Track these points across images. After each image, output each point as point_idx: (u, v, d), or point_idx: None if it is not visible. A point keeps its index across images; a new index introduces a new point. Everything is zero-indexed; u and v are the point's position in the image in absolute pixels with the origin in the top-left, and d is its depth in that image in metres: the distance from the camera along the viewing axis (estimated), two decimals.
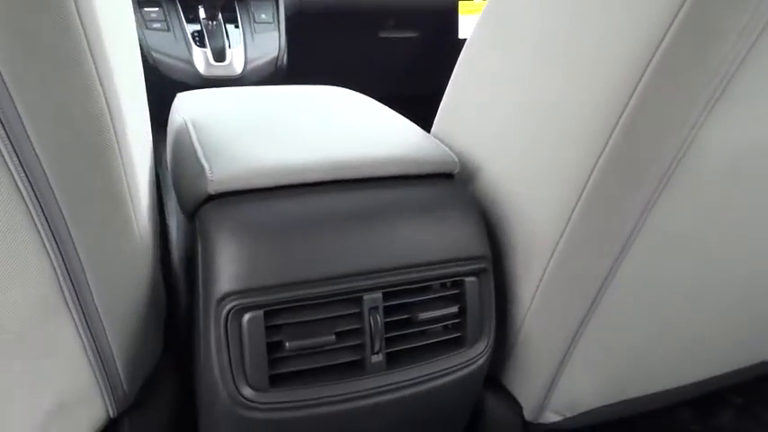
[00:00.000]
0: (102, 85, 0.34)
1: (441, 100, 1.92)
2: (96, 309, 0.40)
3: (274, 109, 0.62)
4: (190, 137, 0.54)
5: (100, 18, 0.33)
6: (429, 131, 1.79)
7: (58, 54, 0.30)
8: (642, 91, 0.38)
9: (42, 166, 0.32)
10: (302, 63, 1.29)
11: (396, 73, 1.68)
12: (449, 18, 1.45)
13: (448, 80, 1.90)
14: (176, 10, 1.15)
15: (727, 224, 0.50)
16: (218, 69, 1.11)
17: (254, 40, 1.16)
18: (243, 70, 1.13)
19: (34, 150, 0.31)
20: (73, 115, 0.33)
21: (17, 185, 0.32)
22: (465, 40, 1.44)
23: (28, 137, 0.31)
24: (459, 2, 1.44)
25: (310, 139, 0.53)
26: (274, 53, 1.18)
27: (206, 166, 0.47)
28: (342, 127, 0.58)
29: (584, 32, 0.42)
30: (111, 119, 0.36)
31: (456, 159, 0.54)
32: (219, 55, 1.12)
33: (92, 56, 0.33)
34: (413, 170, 0.52)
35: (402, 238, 0.47)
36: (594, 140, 0.42)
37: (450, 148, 0.59)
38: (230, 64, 1.12)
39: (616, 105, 0.40)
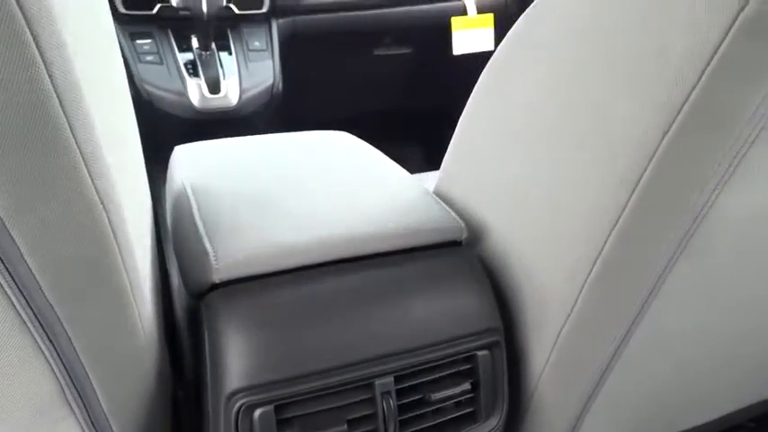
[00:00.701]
0: (103, 204, 0.33)
1: (436, 113, 1.92)
2: (103, 410, 0.40)
3: (275, 170, 0.61)
4: (191, 209, 0.53)
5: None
6: (426, 145, 1.75)
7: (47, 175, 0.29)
8: (659, 159, 0.38)
9: (35, 278, 0.31)
10: (298, 84, 1.28)
11: (392, 88, 1.67)
12: (442, 34, 1.44)
13: (442, 93, 1.89)
14: (169, 41, 1.14)
15: (743, 280, 0.50)
16: (213, 101, 1.10)
17: (248, 69, 1.15)
18: (238, 101, 1.11)
19: (25, 262, 0.30)
20: (68, 228, 0.32)
21: (7, 293, 0.31)
22: (459, 56, 1.44)
23: (17, 248, 0.30)
24: (452, 18, 1.43)
25: (315, 211, 0.52)
26: (269, 81, 1.17)
27: (210, 251, 0.46)
28: (346, 192, 0.57)
29: (597, 97, 0.42)
30: (113, 232, 0.35)
31: (463, 225, 0.54)
32: (214, 86, 1.10)
33: (90, 176, 0.32)
34: (420, 241, 0.52)
35: (412, 318, 0.47)
36: (610, 208, 0.41)
37: (454, 206, 0.58)
38: (225, 95, 1.10)
39: (632, 173, 0.39)
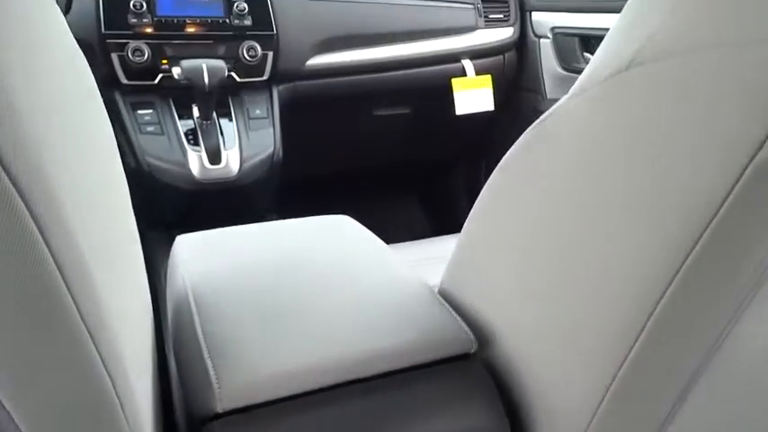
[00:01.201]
0: (104, 364, 0.32)
1: (433, 167, 1.92)
2: None
3: (278, 271, 0.60)
4: (193, 322, 0.52)
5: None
6: (426, 199, 1.72)
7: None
8: (677, 285, 0.37)
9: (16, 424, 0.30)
10: (298, 142, 1.28)
11: (391, 145, 1.68)
12: (440, 93, 1.45)
13: (439, 149, 1.90)
14: (170, 110, 1.14)
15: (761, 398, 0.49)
16: (214, 172, 1.09)
17: (249, 138, 1.15)
18: (239, 171, 1.11)
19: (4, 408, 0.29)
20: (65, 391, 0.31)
21: None
22: (462, 115, 1.45)
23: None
24: (453, 80, 1.44)
25: (320, 325, 0.51)
26: (270, 149, 1.17)
27: (213, 377, 0.45)
28: (352, 299, 0.56)
29: (616, 213, 0.41)
30: (113, 387, 0.34)
31: (472, 338, 0.52)
32: (214, 156, 1.10)
33: (86, 328, 0.30)
34: (429, 357, 0.50)
35: None
36: (626, 332, 0.40)
37: (461, 309, 0.57)
38: (226, 165, 1.10)
39: (649, 299, 0.38)
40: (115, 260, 0.37)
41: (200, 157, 1.09)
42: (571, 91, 0.48)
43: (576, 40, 1.37)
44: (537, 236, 0.48)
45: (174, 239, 1.19)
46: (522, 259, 0.50)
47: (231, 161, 1.11)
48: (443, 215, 1.96)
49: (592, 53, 1.35)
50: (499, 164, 0.53)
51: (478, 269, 0.58)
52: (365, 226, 1.90)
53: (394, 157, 1.74)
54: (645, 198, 0.39)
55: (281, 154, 1.18)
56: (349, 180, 1.80)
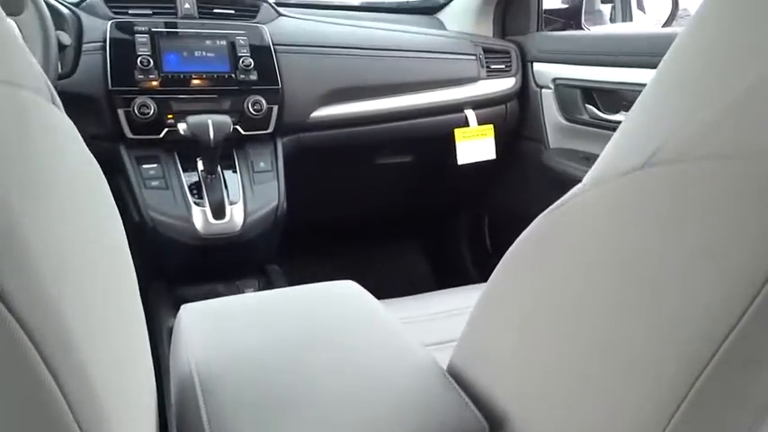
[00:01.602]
0: None
1: (437, 214, 1.92)
2: None
3: (283, 348, 0.59)
4: (198, 407, 0.50)
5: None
6: (427, 246, 1.71)
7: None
8: (695, 393, 0.36)
9: None
10: (300, 193, 1.28)
11: (392, 192, 1.68)
12: (444, 142, 1.46)
13: (441, 195, 1.90)
14: (175, 164, 1.14)
15: None
16: (218, 227, 1.09)
17: (253, 192, 1.15)
18: (242, 225, 1.11)
19: None
20: None
21: None
22: (464, 165, 1.45)
23: None
24: (455, 130, 1.45)
25: (327, 414, 0.50)
26: (274, 202, 1.17)
27: None
28: (359, 384, 0.55)
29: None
30: None
31: (485, 425, 0.51)
32: (218, 211, 1.10)
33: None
34: None
35: None
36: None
37: (471, 389, 0.56)
38: (230, 220, 1.10)
39: (669, 405, 0.37)
40: (123, 369, 0.36)
41: (204, 212, 1.09)
42: (585, 181, 0.48)
43: (578, 91, 1.38)
44: (552, 325, 0.47)
45: (175, 291, 1.19)
46: (536, 346, 0.49)
47: (235, 215, 1.10)
48: (445, 262, 1.95)
49: (593, 105, 1.36)
50: (512, 246, 0.52)
51: (490, 350, 0.56)
52: (366, 273, 1.89)
53: (395, 204, 1.74)
54: (658, 301, 0.38)
55: (284, 207, 1.18)
56: (350, 226, 1.80)
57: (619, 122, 1.26)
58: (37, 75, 0.29)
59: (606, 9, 1.83)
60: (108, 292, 0.36)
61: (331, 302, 0.70)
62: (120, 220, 0.45)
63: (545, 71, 1.49)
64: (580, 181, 1.41)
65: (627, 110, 1.27)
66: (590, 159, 1.37)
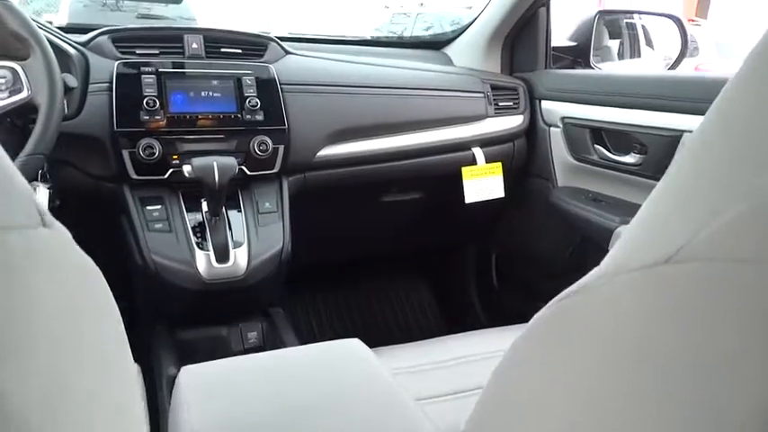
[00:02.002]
0: None
1: (443, 250, 1.88)
2: None
3: (287, 423, 0.57)
4: None
5: None
6: (433, 281, 1.68)
7: None
8: None
9: None
10: (304, 232, 1.26)
11: (398, 230, 1.67)
12: (452, 180, 1.45)
13: (448, 232, 1.87)
14: (179, 205, 1.13)
15: None
16: (221, 271, 1.07)
17: (258, 234, 1.13)
18: (246, 270, 1.09)
19: None
20: None
21: None
22: (471, 203, 1.43)
23: None
24: (462, 168, 1.44)
25: None
26: (279, 245, 1.15)
27: None
28: None
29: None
30: None
31: None
32: (222, 255, 1.08)
33: None
34: None
35: None
36: None
37: None
38: (233, 264, 1.08)
39: None
40: None
41: (208, 256, 1.07)
42: (604, 267, 0.45)
43: (587, 131, 1.37)
44: (564, 413, 0.45)
45: (177, 334, 1.16)
46: (560, 414, 0.46)
47: (239, 259, 1.09)
48: (451, 297, 1.93)
49: (602, 145, 1.35)
50: (526, 329, 0.50)
51: (506, 423, 0.54)
52: (372, 310, 1.86)
53: (401, 241, 1.73)
54: (675, 402, 0.36)
55: (289, 249, 1.16)
56: (355, 263, 1.78)
57: (629, 164, 1.25)
58: (25, 202, 0.27)
59: (614, 45, 1.83)
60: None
61: (333, 367, 0.68)
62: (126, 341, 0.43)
63: (553, 109, 1.48)
64: (588, 221, 1.40)
65: (638, 152, 1.25)
66: (599, 200, 1.35)
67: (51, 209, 1.01)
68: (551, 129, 1.49)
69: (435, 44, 1.79)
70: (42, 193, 1.00)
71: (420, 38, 1.83)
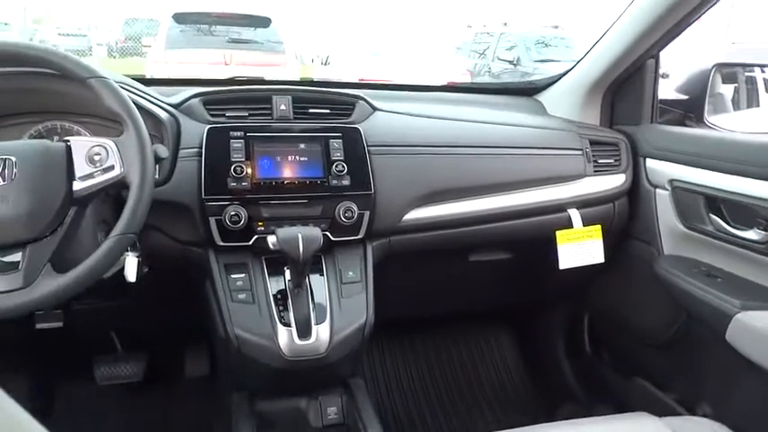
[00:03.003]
0: None
1: (530, 307, 1.77)
2: None
3: None
4: None
5: None
6: (519, 337, 1.56)
7: None
8: None
9: None
10: (386, 294, 1.20)
11: (484, 288, 1.58)
12: (544, 242, 1.35)
13: (540, 292, 1.76)
14: (262, 273, 1.10)
15: None
16: (303, 348, 1.03)
17: (340, 307, 1.09)
18: (328, 347, 1.04)
19: None
20: None
21: None
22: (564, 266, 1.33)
23: None
24: (557, 232, 1.34)
25: None
26: (362, 319, 1.09)
27: None
28: None
29: None
30: None
31: None
32: (304, 331, 1.04)
33: None
34: None
35: None
36: None
37: None
38: (315, 340, 1.04)
39: None
40: None
41: (290, 332, 1.03)
42: None
43: (701, 198, 1.24)
44: None
45: (256, 405, 1.13)
46: None
47: (321, 335, 1.04)
48: (536, 355, 1.82)
49: (719, 216, 1.21)
50: None
51: None
52: (455, 369, 1.78)
53: (484, 298, 1.64)
54: None
55: (372, 322, 1.11)
56: (436, 321, 1.71)
57: (753, 241, 1.11)
58: None
59: (728, 91, 1.67)
60: None
61: None
62: None
63: (660, 170, 1.35)
64: (700, 301, 1.24)
65: (763, 228, 1.11)
66: (714, 276, 1.21)
67: (140, 276, 1.01)
68: (657, 190, 1.36)
69: (528, 90, 1.70)
70: (131, 263, 0.99)
71: (512, 84, 1.75)
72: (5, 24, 13.72)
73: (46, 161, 0.87)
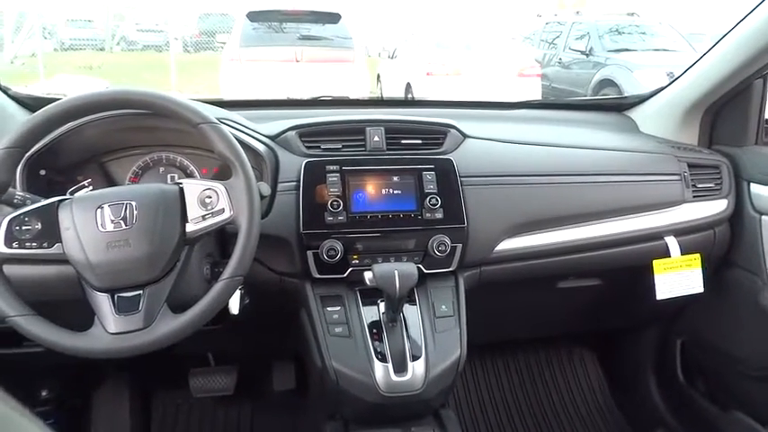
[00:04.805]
0: None
1: (620, 333, 1.71)
2: None
3: None
4: None
5: None
6: (607, 362, 1.52)
7: None
8: None
9: None
10: (474, 320, 1.20)
11: (573, 315, 1.55)
12: (640, 272, 1.31)
13: (631, 319, 1.69)
14: (357, 306, 1.12)
15: None
16: (399, 386, 1.04)
17: (435, 342, 1.09)
18: (423, 383, 1.05)
19: None
20: None
21: None
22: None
23: None
24: (654, 262, 1.29)
25: None
26: (456, 354, 1.10)
27: None
28: None
29: None
30: None
31: None
32: (400, 367, 1.05)
33: None
34: None
35: None
36: None
37: None
38: (411, 377, 1.05)
39: None
40: None
41: (386, 368, 1.05)
42: None
43: None
44: None
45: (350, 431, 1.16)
46: None
47: (416, 371, 1.05)
48: (623, 379, 1.77)
49: None
50: None
51: None
52: (540, 391, 1.76)
53: (572, 323, 1.61)
54: None
55: (465, 356, 1.11)
56: (522, 345, 1.69)
57: None
58: None
59: None
60: None
61: None
62: None
63: (766, 195, 1.28)
64: None
65: None
66: None
67: (241, 308, 1.05)
68: (763, 218, 1.29)
69: (619, 106, 1.64)
70: (235, 296, 1.03)
71: (602, 101, 1.69)
72: (89, 21, 14.48)
73: (162, 205, 0.92)
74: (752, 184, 1.32)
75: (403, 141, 1.22)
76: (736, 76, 1.29)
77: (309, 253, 1.10)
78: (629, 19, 8.12)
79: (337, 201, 1.10)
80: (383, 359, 1.05)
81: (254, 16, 6.37)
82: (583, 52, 7.56)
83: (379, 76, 8.81)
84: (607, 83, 6.78)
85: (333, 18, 6.56)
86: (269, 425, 1.65)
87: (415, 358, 1.06)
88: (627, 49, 7.19)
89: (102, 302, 0.89)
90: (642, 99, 1.58)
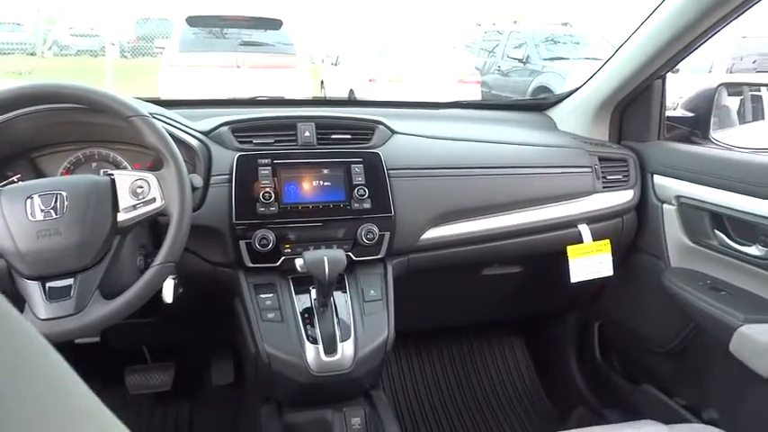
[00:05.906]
0: None
1: (542, 317, 1.82)
2: None
3: None
4: None
5: None
6: (530, 344, 1.64)
7: None
8: None
9: None
10: (403, 308, 1.27)
11: (498, 301, 1.64)
12: (555, 258, 1.41)
13: (551, 303, 1.82)
14: (290, 293, 1.17)
15: None
16: (329, 365, 1.10)
17: (363, 325, 1.15)
18: (352, 363, 1.11)
19: None
20: None
21: None
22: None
23: None
24: (568, 247, 1.40)
25: None
26: (383, 335, 1.16)
27: None
28: None
29: None
30: None
31: None
32: (330, 348, 1.11)
33: None
34: None
35: None
36: None
37: None
38: (341, 357, 1.10)
39: None
40: None
41: (317, 349, 1.10)
42: None
43: (706, 214, 1.29)
44: None
45: (284, 416, 1.20)
46: None
47: (346, 352, 1.11)
48: (548, 363, 1.88)
49: (723, 232, 1.26)
50: None
51: None
52: (469, 376, 1.84)
53: (497, 310, 1.70)
54: None
55: (393, 337, 1.17)
56: (450, 332, 1.77)
57: (754, 257, 1.17)
58: None
59: (734, 103, 1.71)
60: None
61: None
62: None
63: (667, 186, 1.41)
64: (705, 313, 1.33)
65: (765, 245, 1.16)
66: (719, 290, 1.26)
67: (175, 297, 1.08)
68: (664, 206, 1.42)
69: (538, 106, 1.75)
70: (168, 285, 1.06)
71: (522, 101, 1.81)
72: (18, 24, 13.88)
73: (93, 195, 0.94)
74: (655, 176, 1.45)
75: (333, 136, 1.27)
76: (638, 76, 1.41)
77: (242, 243, 1.14)
78: (564, 29, 8.47)
79: (269, 193, 1.15)
80: (314, 341, 1.11)
81: (193, 21, 6.30)
82: (520, 60, 7.85)
83: (322, 83, 8.86)
84: (543, 89, 7.06)
85: (274, 24, 6.57)
86: (208, 420, 1.66)
87: (344, 339, 1.12)
88: (561, 58, 7.51)
89: (34, 291, 0.90)
90: (560, 99, 1.70)
